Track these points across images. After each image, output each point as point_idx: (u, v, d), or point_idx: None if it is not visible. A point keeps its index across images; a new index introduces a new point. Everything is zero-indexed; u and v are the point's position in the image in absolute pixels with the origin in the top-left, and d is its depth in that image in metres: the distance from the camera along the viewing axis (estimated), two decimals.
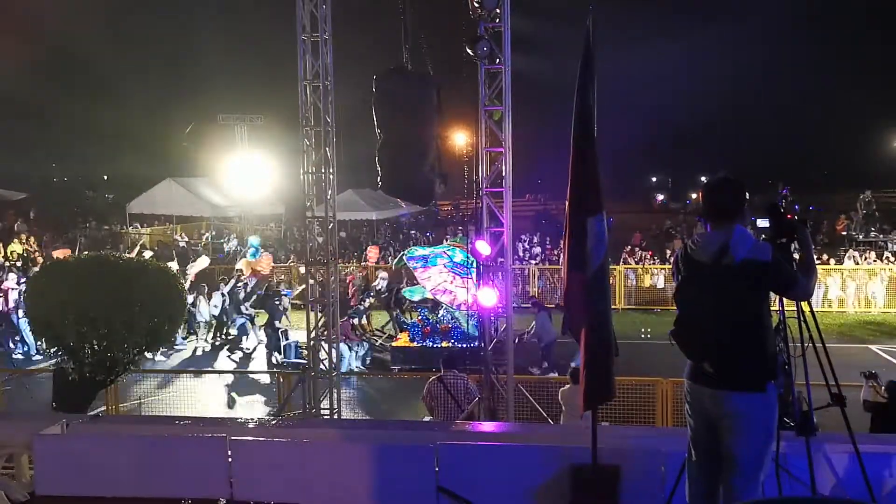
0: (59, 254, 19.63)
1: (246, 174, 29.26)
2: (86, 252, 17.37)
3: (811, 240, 4.17)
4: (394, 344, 16.37)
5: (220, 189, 30.45)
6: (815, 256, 4.27)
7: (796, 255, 4.20)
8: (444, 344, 15.21)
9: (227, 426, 5.79)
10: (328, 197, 9.96)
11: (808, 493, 4.17)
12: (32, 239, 27.51)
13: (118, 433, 5.93)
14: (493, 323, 10.64)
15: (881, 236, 25.97)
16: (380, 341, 17.76)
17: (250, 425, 5.84)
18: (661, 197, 50.16)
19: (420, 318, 16.02)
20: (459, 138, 34.42)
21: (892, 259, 22.00)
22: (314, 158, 9.89)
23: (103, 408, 10.75)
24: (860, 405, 9.03)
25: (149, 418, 9.53)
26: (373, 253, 24.51)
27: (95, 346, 8.30)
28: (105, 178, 54.00)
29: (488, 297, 9.53)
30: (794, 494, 4.21)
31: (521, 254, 24.72)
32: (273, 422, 6.54)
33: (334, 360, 10.09)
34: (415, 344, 15.54)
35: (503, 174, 9.35)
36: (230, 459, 5.22)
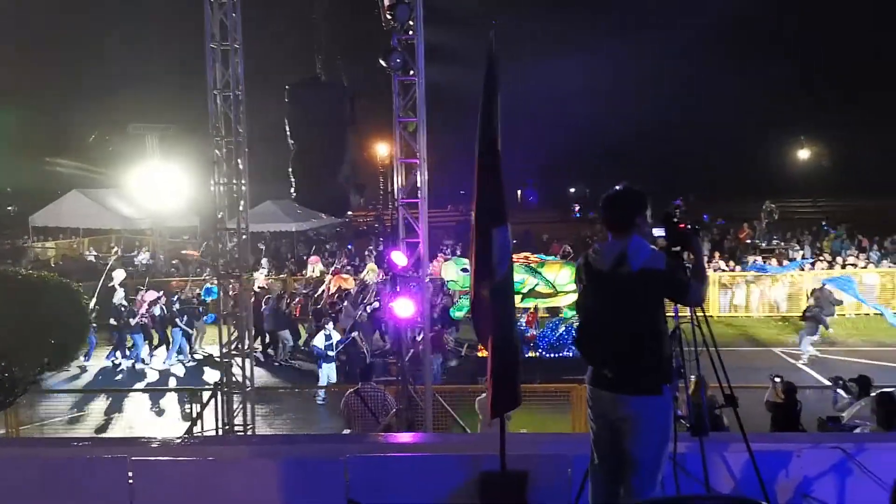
0: None
1: (158, 185, 28.32)
2: None
3: (703, 249, 4.35)
4: (479, 354, 14.77)
5: (131, 201, 29.43)
6: (706, 265, 4.45)
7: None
8: (532, 354, 14.36)
9: (129, 446, 5.60)
10: (241, 209, 9.77)
11: (703, 491, 4.34)
12: None
13: (12, 456, 5.64)
14: (411, 333, 10.65)
15: (782, 244, 27.31)
16: (463, 351, 16.66)
17: (153, 445, 5.65)
18: (577, 207, 51.28)
19: None
20: (380, 149, 34.45)
21: None
22: (225, 169, 9.69)
23: (2, 430, 10.21)
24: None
25: (45, 440, 9.09)
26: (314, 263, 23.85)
27: None
28: (8, 189, 51.36)
29: (405, 307, 9.52)
30: (690, 493, 4.37)
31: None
32: (178, 440, 6.35)
33: (247, 374, 9.85)
34: None
35: (419, 185, 9.37)
36: (131, 481, 5.03)
